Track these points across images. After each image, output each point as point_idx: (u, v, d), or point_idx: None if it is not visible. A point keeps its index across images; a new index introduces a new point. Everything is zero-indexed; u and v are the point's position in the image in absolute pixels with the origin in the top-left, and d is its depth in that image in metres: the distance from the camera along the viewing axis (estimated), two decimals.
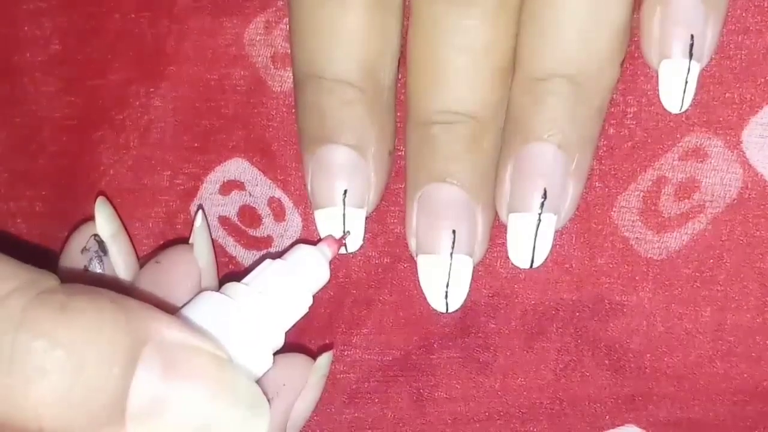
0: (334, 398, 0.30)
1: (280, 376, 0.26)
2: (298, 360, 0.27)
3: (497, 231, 0.28)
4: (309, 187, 0.28)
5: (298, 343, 0.30)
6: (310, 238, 0.29)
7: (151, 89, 0.30)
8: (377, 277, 0.30)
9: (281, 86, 0.29)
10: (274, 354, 0.25)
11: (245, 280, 0.26)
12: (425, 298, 0.28)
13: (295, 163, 0.29)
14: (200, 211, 0.29)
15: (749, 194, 0.28)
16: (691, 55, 0.26)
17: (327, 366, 0.28)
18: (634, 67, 0.28)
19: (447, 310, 0.28)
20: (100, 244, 0.28)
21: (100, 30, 0.30)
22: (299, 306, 0.26)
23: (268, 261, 0.26)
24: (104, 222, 0.28)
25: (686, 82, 0.26)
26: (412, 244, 0.28)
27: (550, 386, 0.30)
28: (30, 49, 0.30)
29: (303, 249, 0.27)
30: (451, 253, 0.27)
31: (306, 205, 0.30)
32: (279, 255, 0.27)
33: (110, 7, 0.30)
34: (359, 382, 0.30)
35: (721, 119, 0.28)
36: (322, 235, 0.28)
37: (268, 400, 0.24)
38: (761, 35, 0.28)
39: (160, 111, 0.30)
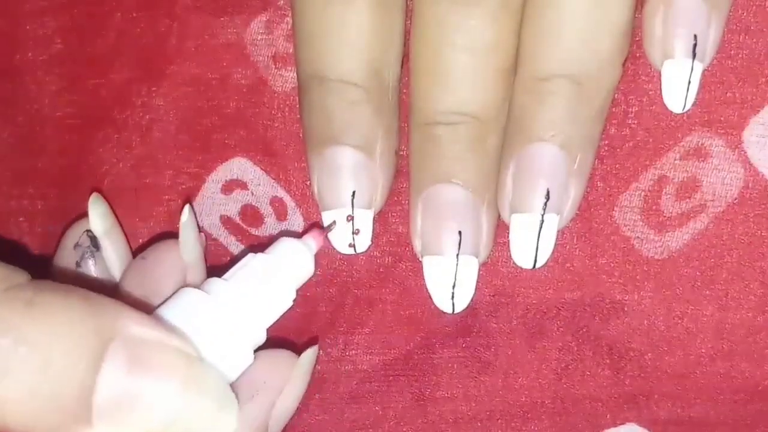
0: (336, 398, 0.30)
1: (260, 373, 0.26)
2: (281, 356, 0.27)
3: (498, 230, 0.28)
4: (316, 189, 0.28)
5: (284, 338, 0.29)
6: None
7: (153, 88, 0.30)
8: (379, 277, 0.30)
9: (282, 86, 0.29)
10: (257, 350, 0.25)
11: (226, 275, 0.25)
12: (427, 298, 0.28)
13: (297, 162, 0.29)
14: (187, 206, 0.28)
15: (750, 194, 0.28)
16: (694, 55, 0.26)
17: (311, 362, 0.27)
18: (635, 67, 0.28)
19: (453, 311, 0.28)
20: (93, 239, 0.28)
21: (101, 29, 0.30)
22: (281, 301, 0.26)
23: (250, 255, 0.26)
24: (98, 218, 0.28)
25: (689, 82, 0.26)
26: (417, 245, 0.28)
27: (551, 385, 0.30)
28: (32, 49, 0.30)
29: (286, 242, 0.26)
30: (457, 254, 0.27)
31: (308, 205, 0.30)
32: (263, 248, 0.26)
33: (112, 7, 0.30)
34: (361, 381, 0.30)
35: (722, 119, 0.28)
36: (332, 238, 0.28)
37: (249, 397, 0.24)
38: (762, 35, 0.28)
39: (161, 110, 0.30)
